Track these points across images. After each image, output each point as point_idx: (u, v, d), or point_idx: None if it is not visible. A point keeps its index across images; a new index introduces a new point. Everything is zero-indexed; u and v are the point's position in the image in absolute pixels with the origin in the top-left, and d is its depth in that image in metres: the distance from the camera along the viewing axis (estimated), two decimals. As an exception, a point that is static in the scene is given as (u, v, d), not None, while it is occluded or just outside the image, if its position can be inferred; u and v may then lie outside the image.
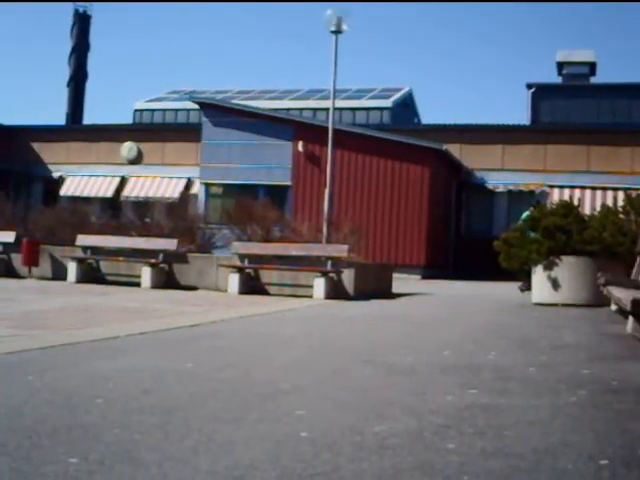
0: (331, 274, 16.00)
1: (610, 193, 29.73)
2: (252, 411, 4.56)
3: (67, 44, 49.45)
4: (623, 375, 6.24)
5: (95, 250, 19.04)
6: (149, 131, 38.82)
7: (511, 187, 33.01)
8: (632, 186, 24.42)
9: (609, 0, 71.57)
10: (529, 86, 38.63)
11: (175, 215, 23.16)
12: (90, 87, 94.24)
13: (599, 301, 13.01)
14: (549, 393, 5.37)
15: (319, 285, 15.77)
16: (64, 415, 4.31)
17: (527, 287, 16.07)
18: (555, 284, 14.55)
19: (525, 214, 17.34)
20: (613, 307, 12.11)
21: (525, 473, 3.38)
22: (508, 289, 18.14)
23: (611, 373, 6.31)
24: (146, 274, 17.71)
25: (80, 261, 18.72)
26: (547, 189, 32.34)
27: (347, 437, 3.96)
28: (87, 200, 34.93)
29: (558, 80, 40.49)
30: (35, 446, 3.65)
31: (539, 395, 5.28)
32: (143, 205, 27.65)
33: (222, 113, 32.15)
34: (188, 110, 40.91)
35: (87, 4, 49.69)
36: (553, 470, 3.44)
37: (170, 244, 18.37)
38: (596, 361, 7.10)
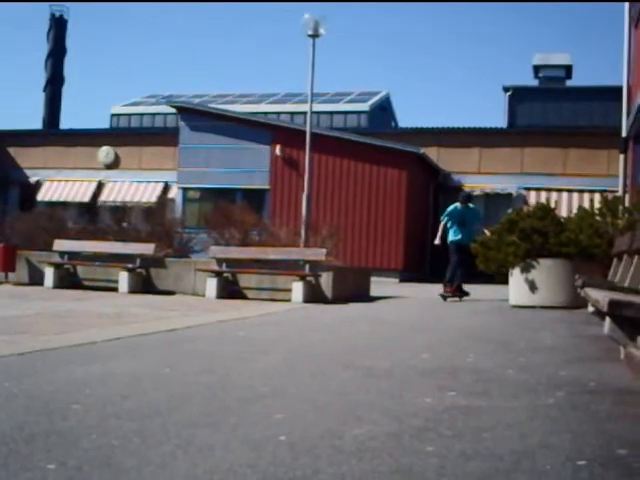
0: (309, 278, 16.00)
1: (587, 195, 29.87)
2: (231, 415, 4.55)
3: (43, 48, 49.26)
4: (600, 376, 6.26)
5: (72, 255, 18.96)
6: (126, 135, 38.69)
7: (488, 190, 33.11)
8: (608, 188, 24.49)
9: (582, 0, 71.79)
10: (506, 89, 38.76)
11: (152, 220, 23.09)
12: (67, 91, 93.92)
13: (576, 303, 13.06)
14: (527, 395, 5.38)
15: (297, 289, 15.76)
16: (41, 421, 4.29)
17: (454, 294, 16.77)
18: (532, 286, 14.61)
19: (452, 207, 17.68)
20: (590, 309, 12.14)
21: (504, 475, 3.39)
22: (486, 292, 18.20)
23: (589, 374, 6.34)
24: (123, 279, 17.65)
25: (57, 266, 18.64)
26: (524, 192, 32.47)
27: (326, 440, 3.96)
28: (64, 205, 34.77)
29: (535, 83, 40.65)
30: (12, 452, 3.63)
31: (517, 397, 5.30)
32: (120, 210, 27.53)
33: (199, 117, 32.10)
34: (165, 114, 40.82)
35: (64, 8, 49.44)
36: (532, 471, 3.45)
37: (147, 249, 18.32)
38: (574, 363, 7.13)
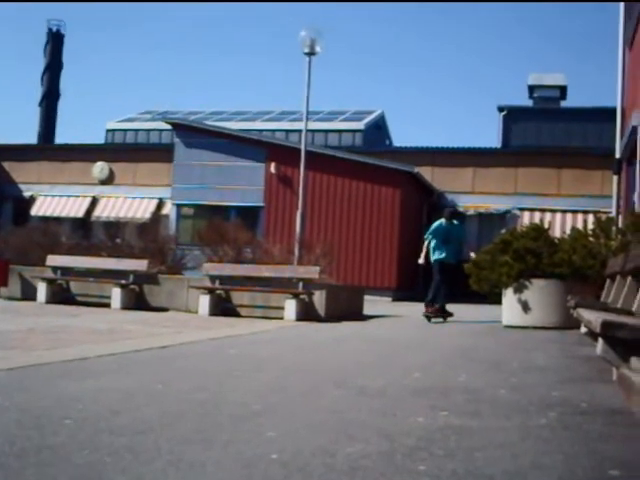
0: (302, 296, 15.99)
1: (580, 216, 29.93)
2: (223, 432, 4.55)
3: (40, 63, 49.39)
4: (592, 397, 6.27)
5: (65, 270, 18.94)
6: (121, 151, 38.71)
7: (482, 210, 33.16)
8: (602, 209, 24.59)
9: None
10: (500, 109, 38.89)
11: (146, 236, 23.06)
12: (62, 106, 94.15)
13: (569, 324, 13.05)
14: (520, 415, 5.38)
15: (290, 307, 15.75)
16: (33, 436, 4.28)
17: (436, 314, 16.19)
18: (525, 307, 14.61)
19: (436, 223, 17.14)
20: (583, 329, 12.14)
21: (496, 495, 3.39)
22: (478, 311, 18.21)
23: (581, 395, 6.34)
24: (116, 295, 17.63)
25: (50, 281, 18.61)
26: (517, 212, 32.51)
27: (318, 458, 3.96)
28: (58, 220, 34.71)
29: (529, 103, 40.79)
30: (3, 467, 3.62)
31: (510, 417, 5.30)
32: (114, 225, 27.51)
33: (195, 134, 32.14)
34: (160, 130, 40.87)
35: (61, 22, 49.59)
36: (523, 492, 3.45)
37: (140, 265, 18.30)
38: (566, 383, 7.13)
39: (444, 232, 16.74)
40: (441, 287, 16.37)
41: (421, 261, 17.18)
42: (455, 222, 17.20)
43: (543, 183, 32.37)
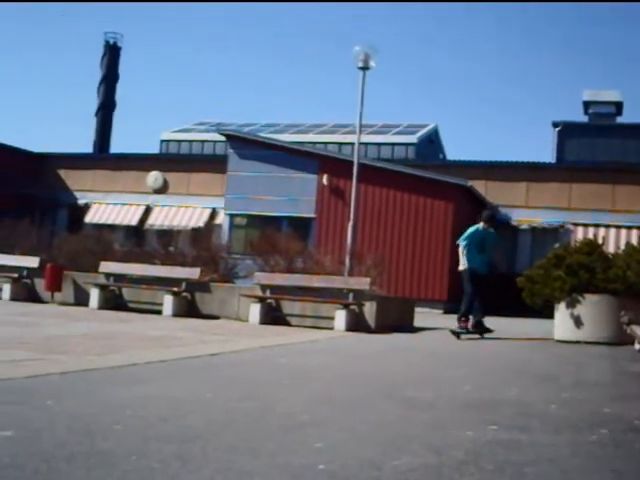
0: (353, 306, 15.97)
1: (635, 232, 29.58)
2: (270, 442, 4.54)
3: (97, 74, 49.93)
4: (645, 415, 6.18)
5: (118, 277, 19.12)
6: (175, 161, 39.00)
7: (535, 224, 32.91)
8: (657, 225, 24.31)
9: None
10: (555, 125, 38.60)
11: (199, 244, 23.19)
12: (118, 117, 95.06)
13: (621, 339, 12.92)
14: (570, 431, 5.32)
15: (340, 317, 15.74)
16: (82, 441, 4.31)
17: (470, 330, 14.93)
18: (578, 321, 14.47)
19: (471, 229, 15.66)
20: (637, 346, 12.03)
21: (544, 511, 3.35)
22: (530, 325, 18.04)
23: (633, 412, 6.26)
24: (168, 302, 17.74)
25: (102, 288, 18.79)
26: (571, 227, 32.22)
27: (365, 471, 3.94)
28: (112, 227, 35.04)
29: (584, 119, 40.45)
30: (53, 471, 3.65)
31: (559, 432, 5.24)
32: (167, 234, 27.71)
33: (248, 145, 32.26)
34: (214, 142, 41.11)
35: (117, 35, 50.16)
36: (573, 509, 3.40)
37: (193, 273, 18.42)
38: (618, 400, 7.04)
39: (480, 239, 15.49)
40: (474, 299, 15.14)
41: (462, 267, 15.37)
42: (491, 230, 15.75)
43: (597, 198, 32.05)
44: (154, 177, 37.88)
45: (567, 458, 4.45)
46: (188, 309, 17.80)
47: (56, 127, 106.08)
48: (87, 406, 5.47)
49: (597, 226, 31.22)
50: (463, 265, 15.27)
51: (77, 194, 38.87)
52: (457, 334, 14.77)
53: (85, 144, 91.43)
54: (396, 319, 17.10)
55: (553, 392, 7.42)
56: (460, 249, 15.46)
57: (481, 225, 15.60)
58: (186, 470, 3.80)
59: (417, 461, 4.20)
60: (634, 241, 17.61)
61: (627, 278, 14.30)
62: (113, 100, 49.80)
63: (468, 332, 14.93)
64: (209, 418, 5.23)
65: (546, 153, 61.79)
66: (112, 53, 49.99)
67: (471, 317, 15.14)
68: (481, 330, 15.10)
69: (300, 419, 5.34)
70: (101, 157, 42.30)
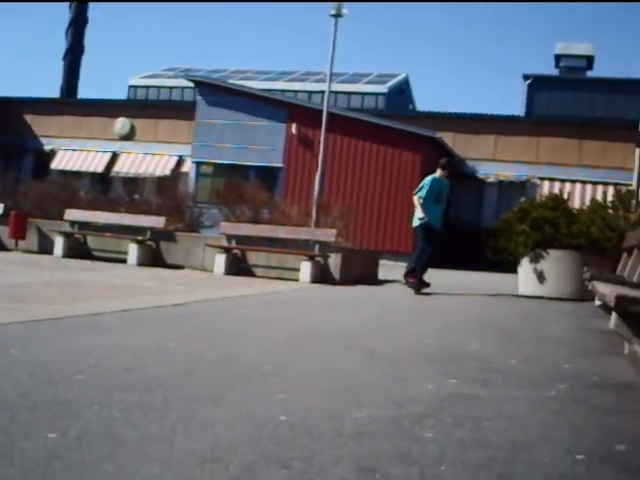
0: (318, 258, 16.00)
1: (600, 188, 29.73)
2: (232, 392, 4.57)
3: (65, 17, 49.15)
4: (604, 370, 6.26)
5: (83, 225, 19.01)
6: (143, 107, 38.63)
7: (502, 178, 33.00)
8: (622, 181, 24.46)
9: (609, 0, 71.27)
10: (526, 77, 38.59)
11: (164, 193, 23.10)
12: (86, 62, 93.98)
13: (584, 295, 13.03)
14: (530, 386, 5.39)
15: (305, 269, 15.77)
16: (45, 390, 4.31)
17: (419, 284, 14.12)
18: (541, 277, 14.59)
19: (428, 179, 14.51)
20: (597, 302, 12.14)
21: (502, 464, 3.40)
22: (494, 279, 18.18)
23: (592, 368, 6.34)
24: (133, 251, 17.69)
25: (67, 235, 18.69)
26: (538, 181, 32.35)
27: (326, 422, 3.97)
28: (78, 174, 34.78)
29: (555, 72, 40.45)
30: (14, 420, 3.65)
31: (520, 387, 5.30)
32: (133, 181, 27.55)
33: (217, 92, 32.04)
34: (183, 88, 40.75)
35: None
36: (530, 462, 3.46)
37: (158, 222, 18.36)
38: (578, 355, 7.12)
39: (437, 189, 14.48)
40: (423, 256, 14.30)
41: (422, 216, 14.22)
42: (446, 179, 14.77)
43: (564, 153, 32.16)
44: (121, 123, 37.58)
45: (526, 413, 4.51)
46: (153, 258, 17.76)
47: (23, 71, 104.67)
48: (51, 355, 5.47)
49: (563, 181, 31.39)
50: (420, 219, 14.32)
51: (43, 140, 38.49)
52: (416, 288, 14.07)
53: (52, 89, 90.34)
54: (361, 271, 17.16)
55: (514, 347, 7.50)
56: (418, 201, 14.36)
57: (438, 173, 14.62)
58: (148, 420, 3.81)
59: (378, 413, 4.24)
60: (599, 197, 17.70)
61: (591, 234, 14.41)
62: (82, 44, 49.09)
63: (412, 285, 14.19)
64: (172, 368, 5.24)
65: (517, 106, 61.86)
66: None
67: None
68: (422, 285, 14.23)
69: (262, 369, 5.36)
70: (68, 102, 41.79)
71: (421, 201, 14.29)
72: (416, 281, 14.18)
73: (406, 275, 14.42)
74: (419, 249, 14.48)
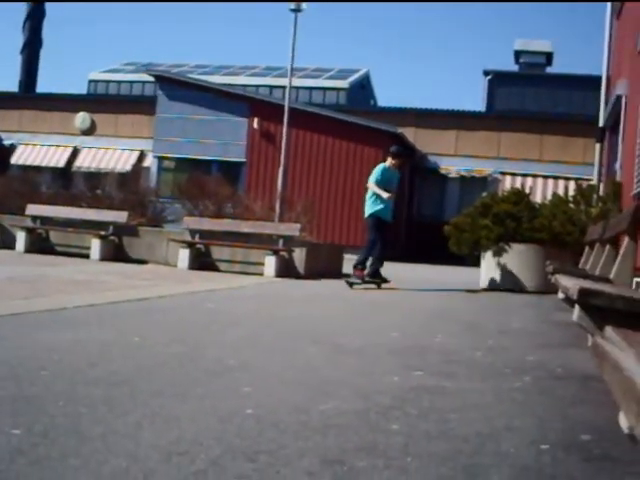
0: (282, 252, 16.00)
1: (562, 182, 29.94)
2: (198, 387, 4.56)
3: (22, 10, 48.66)
4: (567, 362, 6.32)
5: (45, 220, 18.88)
6: (103, 102, 38.46)
7: (464, 173, 33.19)
8: (583, 176, 24.64)
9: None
10: (486, 73, 38.86)
11: (126, 188, 22.97)
12: (45, 55, 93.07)
13: (547, 288, 13.11)
14: (494, 378, 5.42)
15: (270, 263, 15.77)
16: (8, 386, 4.27)
17: (364, 279, 13.61)
18: (504, 270, 14.68)
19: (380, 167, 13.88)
20: (560, 295, 12.21)
21: (468, 456, 3.41)
22: (457, 273, 18.27)
23: (556, 360, 6.39)
24: (95, 246, 17.60)
25: (29, 231, 18.55)
26: (499, 176, 32.56)
27: (293, 415, 3.98)
28: (38, 169, 34.50)
29: (515, 69, 40.74)
30: (-22, 415, 3.62)
31: (484, 379, 5.33)
32: (95, 176, 27.40)
33: (178, 87, 31.96)
34: (143, 82, 40.65)
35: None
36: (496, 453, 3.48)
37: (120, 216, 18.27)
38: (542, 348, 7.18)
39: (387, 180, 13.84)
40: (375, 247, 13.75)
41: (387, 195, 13.57)
42: (397, 169, 14.15)
43: (526, 148, 32.41)
44: (82, 118, 37.35)
45: (491, 404, 4.53)
46: (116, 253, 17.68)
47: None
48: (14, 350, 5.42)
49: (525, 176, 31.66)
50: (373, 210, 13.76)
51: (2, 135, 38.14)
52: (350, 284, 13.53)
53: (10, 83, 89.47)
54: (325, 265, 17.18)
55: (479, 339, 7.54)
56: (374, 186, 13.72)
57: (388, 163, 14.00)
58: (113, 415, 3.79)
59: (344, 406, 4.25)
60: (561, 191, 17.84)
61: (553, 228, 14.52)
62: (40, 38, 48.61)
63: (364, 282, 13.63)
64: (137, 363, 5.22)
65: (477, 102, 62.15)
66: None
67: (368, 265, 13.79)
68: (379, 280, 13.88)
69: (228, 364, 5.35)
70: (27, 97, 41.42)
71: (377, 190, 13.62)
72: (361, 275, 13.60)
73: (354, 268, 13.78)
74: (370, 241, 13.92)
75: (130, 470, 2.98)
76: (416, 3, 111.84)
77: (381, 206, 13.67)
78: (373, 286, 13.82)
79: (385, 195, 13.56)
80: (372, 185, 13.75)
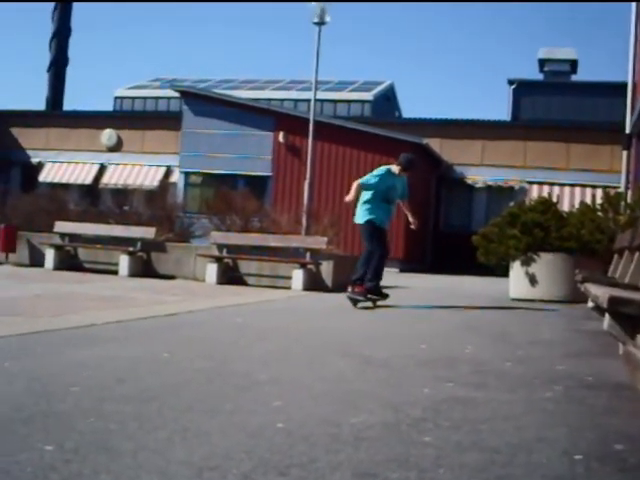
0: (310, 266, 15.99)
1: (589, 191, 29.81)
2: (228, 402, 4.56)
3: (48, 28, 48.99)
4: (598, 371, 6.27)
5: (73, 237, 19.00)
6: (129, 118, 38.62)
7: (490, 183, 33.09)
8: (610, 184, 24.51)
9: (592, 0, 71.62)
10: (510, 82, 38.71)
11: (154, 203, 23.08)
12: (71, 73, 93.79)
13: (576, 298, 13.04)
14: (525, 388, 5.39)
15: (298, 276, 15.76)
16: (40, 402, 4.30)
17: (365, 295, 12.05)
18: (533, 280, 14.61)
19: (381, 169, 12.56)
20: (590, 304, 12.13)
21: (500, 467, 3.39)
22: (486, 284, 18.19)
23: (586, 369, 6.35)
24: (124, 262, 17.67)
25: (58, 248, 18.66)
26: (526, 185, 32.43)
27: (323, 429, 3.97)
28: (66, 187, 34.71)
29: (540, 77, 40.59)
30: (10, 433, 3.64)
31: (515, 390, 5.30)
32: (122, 193, 27.53)
33: (203, 102, 32.06)
34: (169, 98, 40.75)
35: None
36: (528, 464, 3.45)
37: (148, 232, 18.34)
38: (572, 357, 7.13)
39: (389, 185, 12.47)
40: (372, 259, 12.09)
41: (350, 198, 12.40)
42: (404, 175, 12.88)
43: (552, 157, 32.27)
44: (108, 135, 37.55)
45: (522, 415, 4.51)
46: (144, 269, 17.74)
47: (7, 84, 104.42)
48: (44, 367, 5.45)
49: (552, 185, 31.49)
50: (365, 217, 12.31)
51: (30, 152, 38.42)
52: (354, 301, 12.02)
53: (38, 101, 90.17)
54: (352, 278, 17.12)
55: (508, 350, 7.50)
56: (356, 184, 12.46)
57: (394, 168, 12.69)
58: (143, 431, 3.80)
59: (375, 419, 4.24)
60: (588, 200, 17.76)
61: (581, 237, 14.45)
62: (66, 55, 48.93)
63: (366, 299, 12.08)
64: (166, 378, 5.23)
65: (501, 111, 62.02)
66: (63, 6, 49.01)
67: (366, 280, 12.11)
68: (376, 296, 12.20)
69: (257, 378, 5.35)
70: (54, 114, 41.68)
71: (358, 184, 12.36)
72: (362, 291, 12.05)
73: (353, 284, 12.16)
74: (366, 252, 12.28)
75: (162, 486, 2.98)
76: (439, 14, 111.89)
77: (380, 215, 12.27)
78: (404, 297, 13.76)
79: (347, 198, 12.40)
80: (355, 184, 12.45)
